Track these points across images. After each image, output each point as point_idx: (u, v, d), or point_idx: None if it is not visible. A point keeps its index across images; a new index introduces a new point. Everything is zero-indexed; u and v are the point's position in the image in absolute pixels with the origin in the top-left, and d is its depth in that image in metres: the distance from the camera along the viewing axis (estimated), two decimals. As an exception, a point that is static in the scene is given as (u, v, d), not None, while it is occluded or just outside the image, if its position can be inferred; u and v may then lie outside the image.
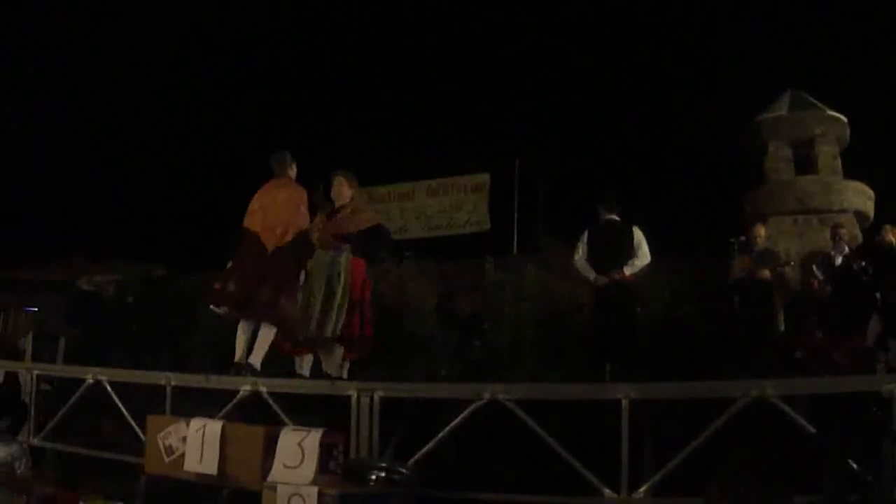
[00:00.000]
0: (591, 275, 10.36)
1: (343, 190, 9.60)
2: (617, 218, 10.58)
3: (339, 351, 9.26)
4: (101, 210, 28.56)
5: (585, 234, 10.61)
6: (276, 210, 8.98)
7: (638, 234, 10.35)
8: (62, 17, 30.90)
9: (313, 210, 9.25)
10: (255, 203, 9.20)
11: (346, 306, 9.06)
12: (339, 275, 9.05)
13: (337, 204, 9.56)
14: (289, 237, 8.85)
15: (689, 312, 12.93)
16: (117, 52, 30.57)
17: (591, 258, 10.42)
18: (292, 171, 9.48)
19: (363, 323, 9.40)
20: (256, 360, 8.69)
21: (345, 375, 9.26)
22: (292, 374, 9.31)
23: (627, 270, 10.20)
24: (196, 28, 31.73)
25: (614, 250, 10.31)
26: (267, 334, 8.75)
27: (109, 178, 29.13)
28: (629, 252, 10.25)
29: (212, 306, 9.02)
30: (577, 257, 10.58)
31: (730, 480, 3.57)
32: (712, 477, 3.60)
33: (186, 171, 28.72)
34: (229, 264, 9.05)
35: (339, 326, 9.00)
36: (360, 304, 9.36)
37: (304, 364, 9.54)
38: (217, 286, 8.86)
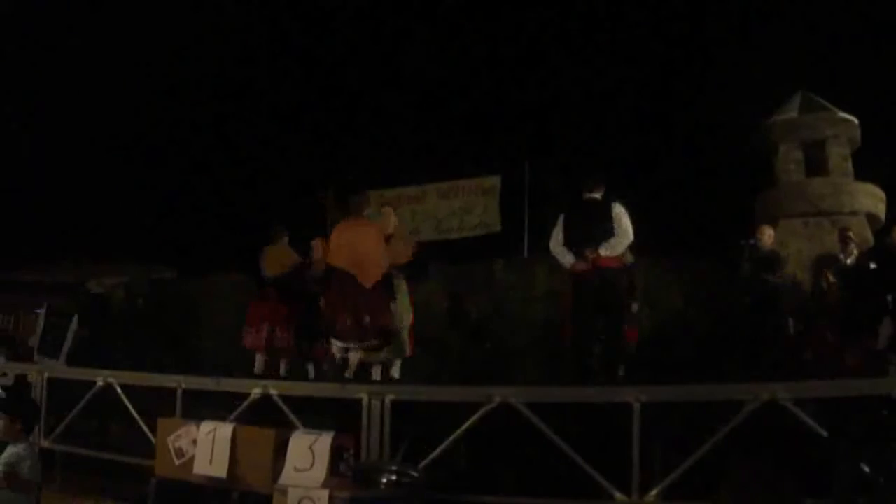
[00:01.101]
0: (568, 260, 9.47)
1: (391, 220, 11.09)
2: (598, 196, 9.64)
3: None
4: (110, 212, 28.61)
5: (561, 217, 9.73)
6: (366, 249, 9.97)
7: (617, 209, 9.41)
8: (83, 20, 30.94)
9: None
10: (339, 240, 10.13)
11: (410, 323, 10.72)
12: (401, 300, 10.59)
13: (386, 233, 10.53)
14: (384, 271, 10.05)
15: (699, 315, 12.91)
16: (128, 54, 30.60)
17: (568, 242, 9.51)
18: (368, 209, 11.09)
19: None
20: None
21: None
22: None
23: (603, 251, 9.21)
24: (208, 30, 31.76)
25: (590, 231, 9.35)
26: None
27: (119, 180, 29.18)
28: (607, 232, 9.30)
29: (333, 341, 9.92)
30: (552, 243, 9.70)
31: (740, 484, 3.57)
32: (723, 480, 3.59)
33: (196, 174, 28.76)
34: (322, 301, 10.31)
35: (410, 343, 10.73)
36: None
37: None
38: (338, 323, 9.76)
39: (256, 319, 11.81)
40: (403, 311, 10.63)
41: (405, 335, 10.63)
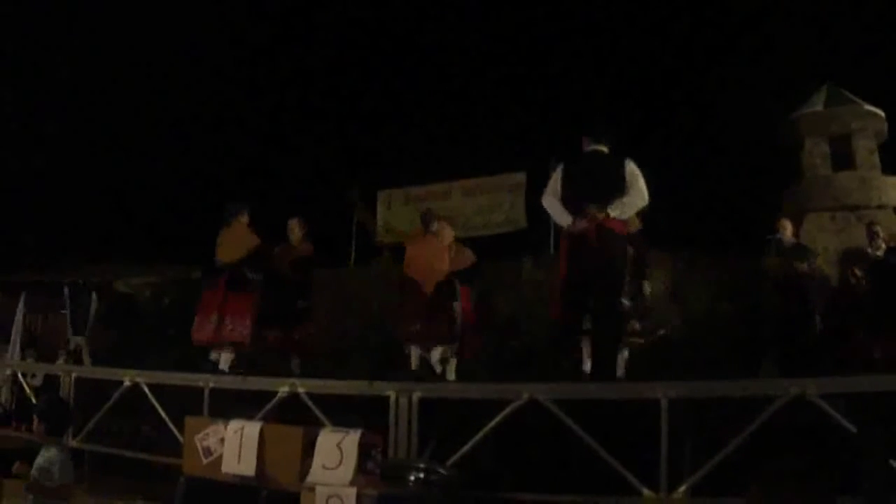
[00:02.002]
0: (566, 219, 8.20)
1: (447, 232, 11.46)
2: (605, 149, 8.43)
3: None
4: (137, 212, 28.73)
5: (560, 169, 8.47)
6: (437, 262, 10.97)
7: (631, 166, 8.15)
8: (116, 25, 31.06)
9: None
10: (411, 254, 11.23)
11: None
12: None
13: (445, 244, 11.28)
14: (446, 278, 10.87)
15: (728, 310, 12.85)
16: (157, 50, 30.69)
17: (567, 198, 8.23)
18: (435, 226, 11.37)
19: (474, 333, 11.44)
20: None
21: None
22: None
23: (613, 212, 7.95)
24: (230, 30, 31.84)
25: (597, 186, 8.08)
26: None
27: (146, 180, 29.30)
28: (618, 189, 8.04)
29: (406, 342, 10.87)
30: (546, 197, 8.45)
31: (771, 480, 3.54)
32: (753, 477, 3.56)
33: (223, 174, 28.83)
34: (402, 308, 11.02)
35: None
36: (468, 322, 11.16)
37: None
38: (406, 328, 10.83)
39: (208, 311, 10.92)
40: (458, 311, 10.90)
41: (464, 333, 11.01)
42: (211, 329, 10.77)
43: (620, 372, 9.26)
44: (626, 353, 9.65)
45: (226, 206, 11.47)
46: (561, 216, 8.28)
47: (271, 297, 11.25)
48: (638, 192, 8.07)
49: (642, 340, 9.93)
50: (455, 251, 11.49)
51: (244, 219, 11.32)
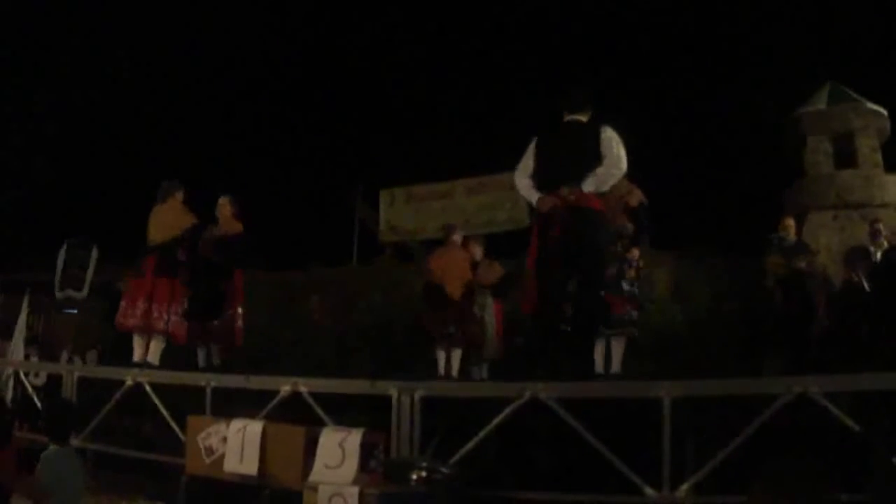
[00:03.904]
0: (534, 196, 7.59)
1: (477, 249, 11.94)
2: (582, 119, 7.79)
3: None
4: (137, 212, 28.68)
5: (533, 143, 7.85)
6: (460, 271, 11.40)
7: (607, 133, 7.45)
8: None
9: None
10: (436, 265, 11.51)
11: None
12: (488, 312, 11.71)
13: (476, 259, 11.81)
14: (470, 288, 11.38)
15: (730, 309, 12.84)
16: (162, 57, 30.69)
17: (539, 173, 7.62)
18: (457, 237, 11.82)
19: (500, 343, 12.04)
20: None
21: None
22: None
23: (588, 185, 7.30)
24: (232, 29, 31.85)
25: (570, 159, 7.43)
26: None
27: (145, 179, 29.26)
28: (593, 161, 7.36)
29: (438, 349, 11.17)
30: (517, 174, 7.85)
31: (775, 478, 3.53)
32: (757, 475, 3.56)
33: (224, 173, 28.84)
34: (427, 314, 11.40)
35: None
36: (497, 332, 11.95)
37: None
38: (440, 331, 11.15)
39: (135, 296, 10.44)
40: (490, 321, 11.72)
41: (494, 340, 11.78)
42: (138, 315, 10.32)
43: (617, 367, 9.14)
44: (622, 345, 9.18)
45: (161, 184, 11.00)
46: (529, 193, 7.68)
47: (196, 283, 10.72)
48: (613, 161, 7.37)
49: (636, 331, 9.34)
50: (485, 266, 12.03)
51: (179, 196, 10.87)
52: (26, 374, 11.35)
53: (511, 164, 7.87)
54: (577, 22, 34.24)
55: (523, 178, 7.72)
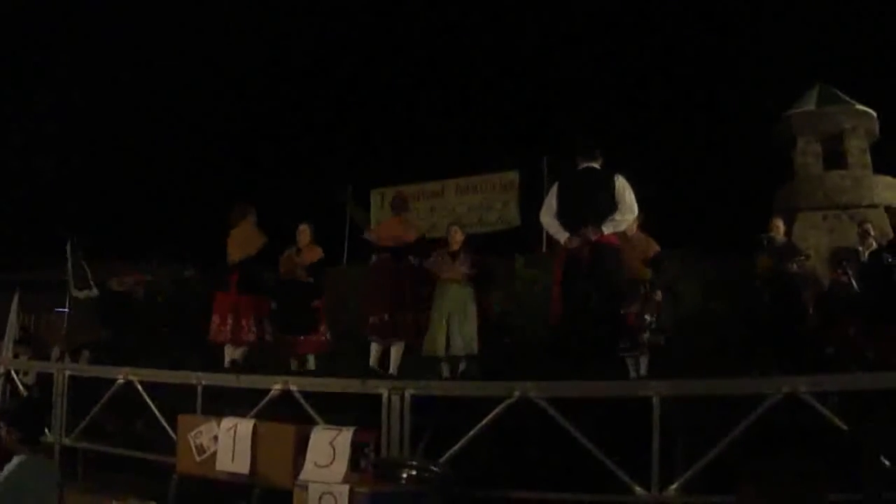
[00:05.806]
0: (563, 236, 8.62)
1: (458, 237, 11.41)
2: (597, 166, 8.89)
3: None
4: (131, 211, 28.71)
5: (555, 187, 9.02)
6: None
7: (620, 181, 8.61)
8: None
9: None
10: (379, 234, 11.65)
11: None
12: (472, 304, 10.99)
13: (453, 249, 11.25)
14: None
15: (720, 309, 12.87)
16: (156, 53, 30.69)
17: (562, 215, 8.71)
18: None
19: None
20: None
21: None
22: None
23: (606, 228, 8.42)
24: (224, 30, 31.84)
25: (589, 204, 8.55)
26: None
27: (140, 179, 29.28)
28: (609, 204, 8.53)
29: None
30: (543, 213, 8.95)
31: (764, 478, 3.56)
32: (745, 474, 3.58)
33: (217, 172, 28.84)
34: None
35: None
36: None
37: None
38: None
39: (222, 311, 11.31)
40: (471, 315, 10.92)
41: (475, 336, 10.93)
42: (228, 331, 11.15)
43: (643, 369, 10.05)
44: (646, 360, 10.13)
45: (234, 206, 11.82)
46: (557, 233, 8.72)
47: (285, 302, 11.64)
48: (627, 208, 8.58)
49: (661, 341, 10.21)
50: (463, 258, 11.35)
51: (252, 218, 11.67)
52: (17, 373, 11.34)
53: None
54: (566, 23, 34.23)
55: (549, 218, 8.82)
